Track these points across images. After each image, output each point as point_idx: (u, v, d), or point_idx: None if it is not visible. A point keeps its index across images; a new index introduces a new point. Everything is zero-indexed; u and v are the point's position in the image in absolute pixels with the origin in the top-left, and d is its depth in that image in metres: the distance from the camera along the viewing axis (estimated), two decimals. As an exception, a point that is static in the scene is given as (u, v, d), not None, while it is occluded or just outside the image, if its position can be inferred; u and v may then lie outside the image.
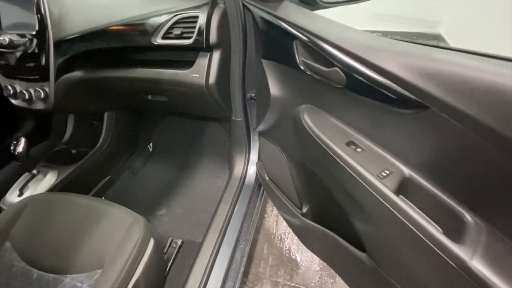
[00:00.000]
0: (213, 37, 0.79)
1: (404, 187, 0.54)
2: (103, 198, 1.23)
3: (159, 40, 0.81)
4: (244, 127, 1.09)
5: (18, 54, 0.89)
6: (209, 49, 0.81)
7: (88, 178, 1.17)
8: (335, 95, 0.64)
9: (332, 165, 0.62)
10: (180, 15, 0.79)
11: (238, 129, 1.11)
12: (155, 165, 1.46)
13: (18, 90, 0.96)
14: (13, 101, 0.99)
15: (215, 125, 1.46)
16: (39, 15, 0.84)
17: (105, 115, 1.20)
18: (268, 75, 0.83)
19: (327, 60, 0.59)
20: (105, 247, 0.66)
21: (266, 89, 0.84)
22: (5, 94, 0.97)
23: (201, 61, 0.83)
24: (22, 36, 0.87)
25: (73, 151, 1.20)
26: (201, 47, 0.80)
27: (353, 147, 0.61)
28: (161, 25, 0.80)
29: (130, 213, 0.73)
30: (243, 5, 0.80)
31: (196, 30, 0.78)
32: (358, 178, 0.56)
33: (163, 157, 1.49)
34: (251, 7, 0.78)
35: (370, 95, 0.55)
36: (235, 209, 1.04)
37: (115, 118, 1.23)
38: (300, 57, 0.68)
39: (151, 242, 0.69)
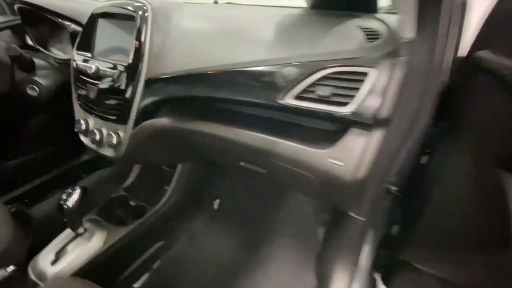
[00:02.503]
0: (387, 109, 0.47)
1: None
2: (149, 271, 0.95)
3: (289, 100, 0.52)
4: (367, 231, 0.71)
5: (101, 86, 0.70)
6: (372, 125, 0.49)
7: (139, 242, 0.91)
8: None
9: None
10: (334, 68, 0.49)
11: (353, 229, 0.73)
12: (218, 231, 1.15)
13: (91, 127, 0.77)
14: (82, 138, 0.80)
15: (303, 197, 1.11)
16: (137, 43, 0.65)
17: (179, 166, 0.96)
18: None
19: None
20: None
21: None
22: (75, 128, 0.79)
23: (352, 142, 0.51)
24: (113, 66, 0.68)
25: (132, 203, 0.97)
26: (361, 121, 0.48)
27: None
28: (297, 79, 0.51)
29: None
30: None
31: (360, 94, 0.47)
32: None
33: (228, 222, 1.19)
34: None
35: None
36: None
37: (188, 169, 0.98)
38: None
39: None
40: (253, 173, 1.23)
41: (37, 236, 1.05)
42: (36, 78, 0.75)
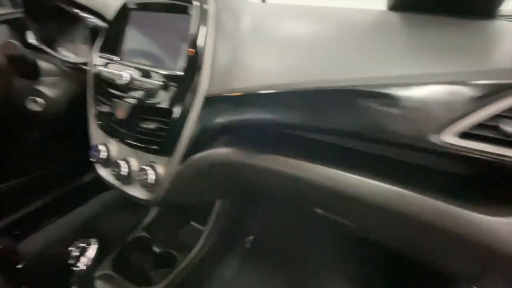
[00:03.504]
0: None
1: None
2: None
3: (449, 138, 0.33)
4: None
5: (136, 102, 0.51)
6: None
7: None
8: None
9: None
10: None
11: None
12: (252, 274, 0.94)
13: (114, 156, 0.56)
14: (100, 170, 0.59)
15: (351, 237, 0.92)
16: (192, 48, 0.46)
17: (217, 203, 0.75)
18: None
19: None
20: None
21: None
22: (91, 157, 0.58)
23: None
24: (154, 77, 0.49)
25: (156, 248, 0.76)
26: None
27: None
28: (468, 106, 0.33)
29: None
30: None
31: None
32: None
33: (263, 263, 0.98)
34: None
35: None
36: None
37: (228, 204, 0.78)
38: None
39: None
40: (291, 207, 1.04)
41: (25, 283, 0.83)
42: (41, 88, 0.55)
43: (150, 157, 0.53)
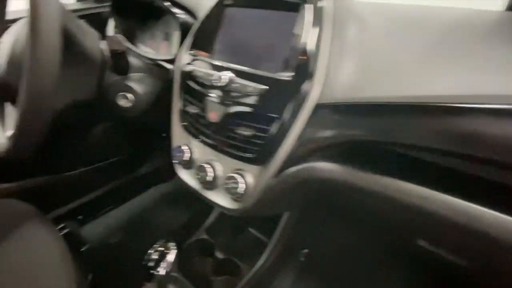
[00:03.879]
0: None
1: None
2: None
3: None
4: None
5: (232, 106, 0.47)
6: None
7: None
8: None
9: None
10: None
11: None
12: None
13: (197, 159, 0.54)
14: (181, 172, 0.57)
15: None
16: (304, 52, 0.41)
17: (285, 215, 0.71)
18: None
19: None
20: None
21: None
22: (174, 158, 0.56)
23: None
24: (247, 75, 0.45)
25: (218, 254, 0.73)
26: None
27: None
28: None
29: None
30: None
31: None
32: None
33: (318, 278, 0.92)
34: None
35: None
36: None
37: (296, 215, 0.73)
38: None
39: None
40: (346, 221, 0.97)
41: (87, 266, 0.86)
42: (130, 83, 0.55)
43: (237, 163, 0.49)
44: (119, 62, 0.53)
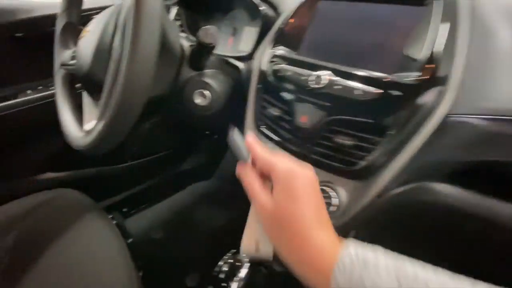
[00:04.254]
0: None
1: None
2: None
3: None
4: None
5: (327, 108, 0.41)
6: None
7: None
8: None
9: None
10: None
11: None
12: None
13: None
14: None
15: None
16: (435, 53, 0.35)
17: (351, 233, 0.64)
18: None
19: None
20: None
21: None
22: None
23: None
24: (349, 76, 0.39)
25: (277, 267, 0.68)
26: None
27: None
28: None
29: None
30: None
31: None
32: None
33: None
34: None
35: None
36: None
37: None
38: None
39: None
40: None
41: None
42: (207, 80, 0.51)
43: (325, 175, 0.44)
44: (202, 57, 0.50)
